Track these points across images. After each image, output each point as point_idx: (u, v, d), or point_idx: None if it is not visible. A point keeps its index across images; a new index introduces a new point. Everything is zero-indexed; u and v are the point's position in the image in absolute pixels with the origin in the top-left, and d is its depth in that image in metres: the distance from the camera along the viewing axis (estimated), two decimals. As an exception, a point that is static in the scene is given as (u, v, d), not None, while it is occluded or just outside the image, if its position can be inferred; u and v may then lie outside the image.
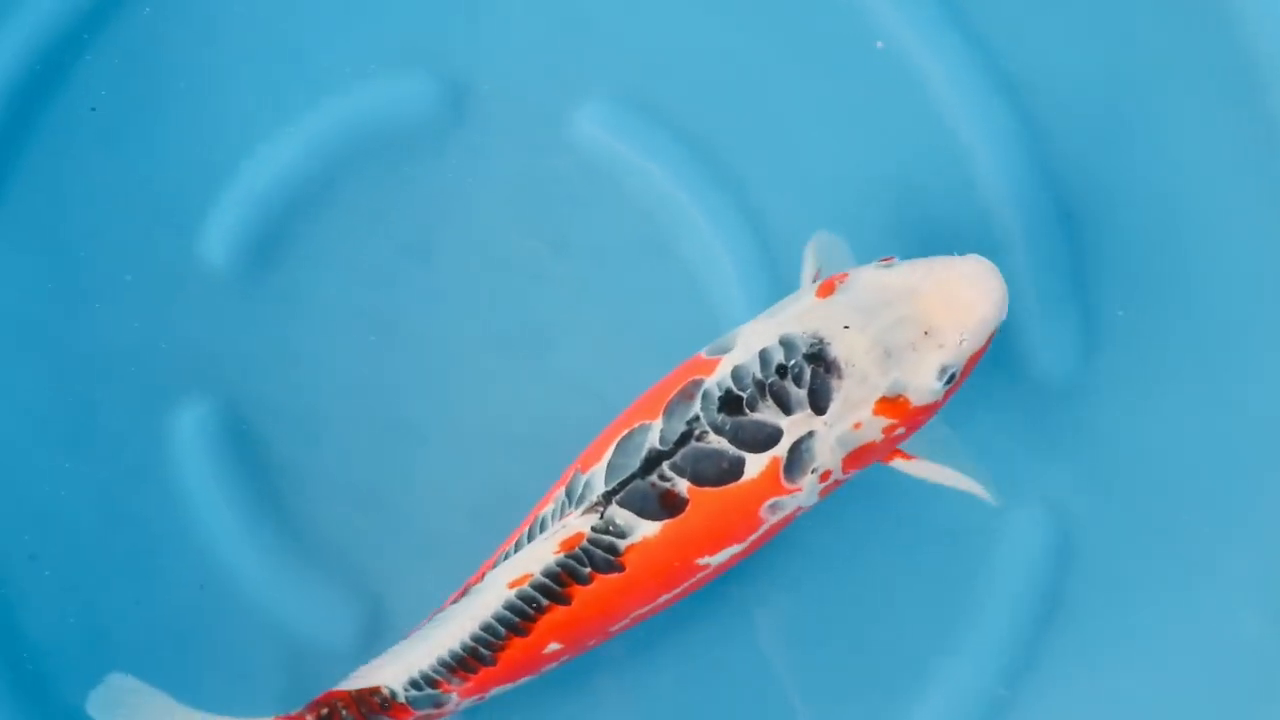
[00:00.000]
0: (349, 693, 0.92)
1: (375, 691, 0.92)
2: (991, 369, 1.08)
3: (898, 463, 0.94)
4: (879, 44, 1.11)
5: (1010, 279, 1.07)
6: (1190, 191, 1.11)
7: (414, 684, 0.91)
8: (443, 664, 0.90)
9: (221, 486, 1.07)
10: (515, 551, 0.90)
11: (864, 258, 1.06)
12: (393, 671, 0.92)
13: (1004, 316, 0.88)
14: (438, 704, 0.92)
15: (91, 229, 1.11)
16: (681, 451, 0.85)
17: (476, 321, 1.09)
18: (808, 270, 0.99)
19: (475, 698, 0.93)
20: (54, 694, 1.05)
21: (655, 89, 1.12)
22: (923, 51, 1.12)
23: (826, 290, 0.87)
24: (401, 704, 0.91)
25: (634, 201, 1.11)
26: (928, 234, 1.10)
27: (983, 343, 0.88)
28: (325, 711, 0.92)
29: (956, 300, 0.86)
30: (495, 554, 0.93)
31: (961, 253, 0.90)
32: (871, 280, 0.87)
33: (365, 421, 1.08)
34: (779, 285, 1.08)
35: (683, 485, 0.85)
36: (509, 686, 0.94)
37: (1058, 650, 1.06)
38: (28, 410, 1.09)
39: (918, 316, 0.85)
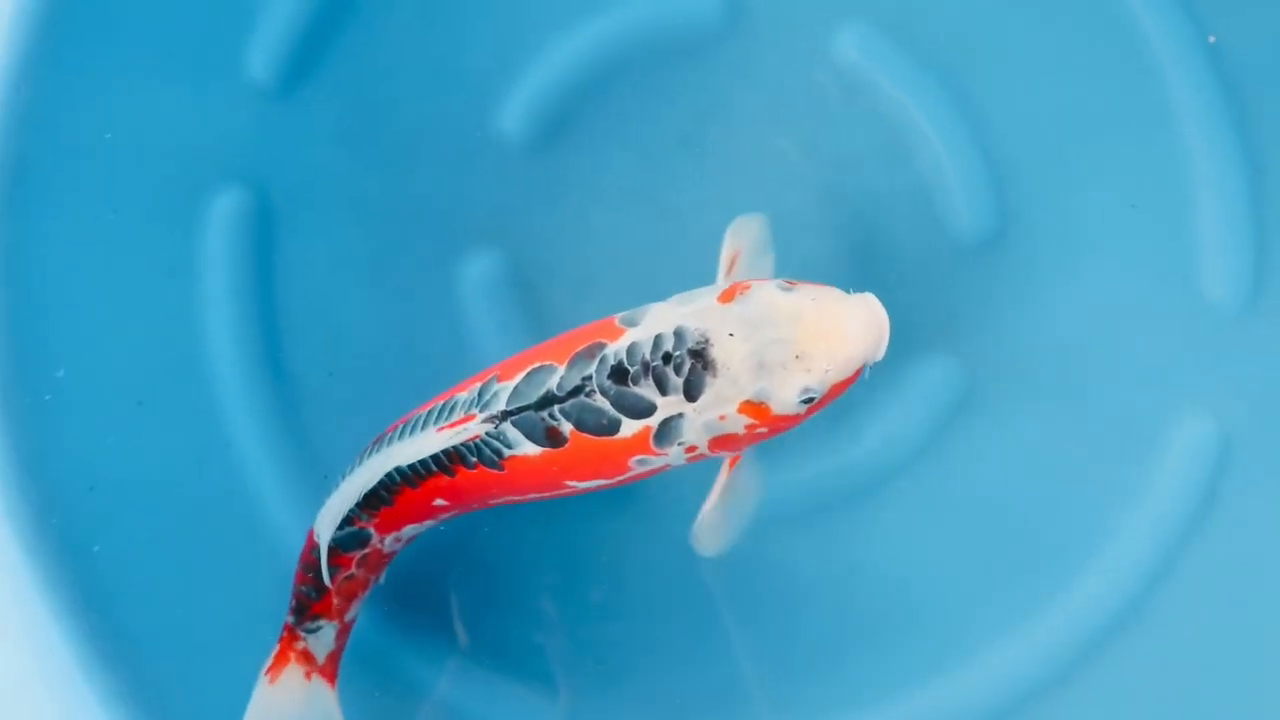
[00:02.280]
0: (299, 575, 1.08)
1: (314, 553, 1.06)
2: (1173, 297, 1.23)
3: (725, 462, 1.04)
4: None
5: (1196, 218, 1.24)
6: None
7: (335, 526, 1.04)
8: (353, 508, 1.03)
9: (499, 331, 1.22)
10: (424, 424, 1.01)
11: (1083, 200, 1.22)
12: (321, 527, 1.05)
13: (879, 356, 0.96)
14: (361, 542, 1.05)
15: (405, 96, 1.25)
16: (571, 401, 0.95)
17: (731, 207, 1.23)
18: (726, 251, 1.08)
19: (393, 537, 1.06)
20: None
21: (910, 20, 1.26)
22: (1145, 17, 1.26)
23: (729, 296, 0.95)
24: (332, 546, 1.05)
25: (879, 117, 1.25)
26: (1131, 170, 1.25)
27: (849, 375, 0.96)
28: (294, 603, 1.08)
29: (832, 334, 0.93)
30: (408, 415, 1.04)
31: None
32: (767, 298, 0.94)
33: (631, 285, 1.22)
34: (1001, 206, 1.24)
35: (566, 427, 0.96)
36: (418, 529, 1.07)
37: (1211, 539, 1.20)
38: (335, 248, 1.23)
39: (795, 340, 0.92)
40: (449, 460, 0.99)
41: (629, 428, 0.95)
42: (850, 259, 1.23)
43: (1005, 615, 1.19)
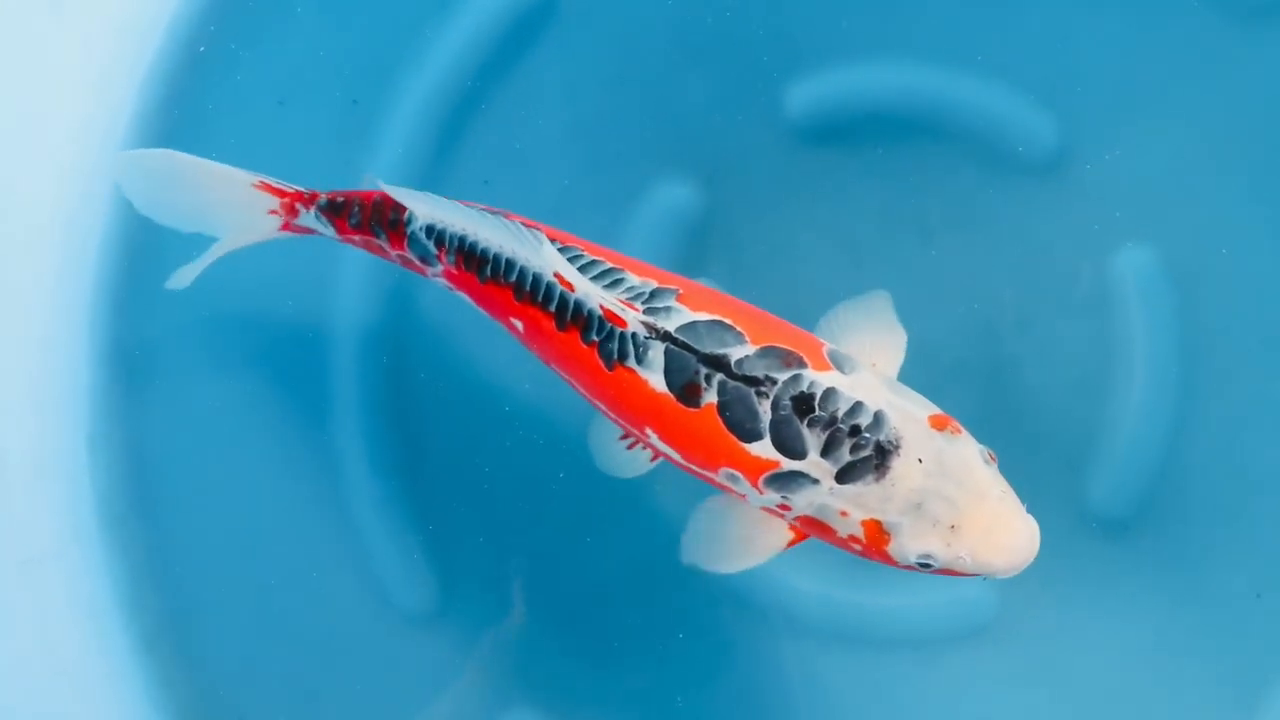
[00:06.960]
0: (373, 196, 0.98)
1: (397, 209, 0.97)
2: None
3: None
4: None
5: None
6: None
7: (428, 230, 0.95)
8: (460, 240, 0.94)
9: (649, 250, 1.10)
10: (586, 269, 0.91)
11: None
12: (427, 209, 0.96)
13: (1010, 574, 0.89)
14: (425, 259, 0.96)
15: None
16: (736, 384, 0.87)
17: (924, 308, 1.11)
18: (857, 333, 0.97)
19: (447, 284, 0.98)
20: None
21: (1204, 280, 1.17)
22: None
23: (940, 424, 0.89)
24: (406, 234, 0.96)
25: (1104, 340, 1.18)
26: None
27: (969, 574, 0.89)
28: (340, 200, 1.00)
29: (995, 537, 0.87)
30: (559, 233, 0.94)
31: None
32: (969, 457, 0.88)
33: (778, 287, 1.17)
34: (1152, 503, 1.17)
35: (711, 398, 0.88)
36: (474, 307, 0.98)
37: None
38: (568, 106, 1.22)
39: (962, 513, 0.87)
40: (572, 316, 0.90)
41: (761, 449, 0.88)
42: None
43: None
